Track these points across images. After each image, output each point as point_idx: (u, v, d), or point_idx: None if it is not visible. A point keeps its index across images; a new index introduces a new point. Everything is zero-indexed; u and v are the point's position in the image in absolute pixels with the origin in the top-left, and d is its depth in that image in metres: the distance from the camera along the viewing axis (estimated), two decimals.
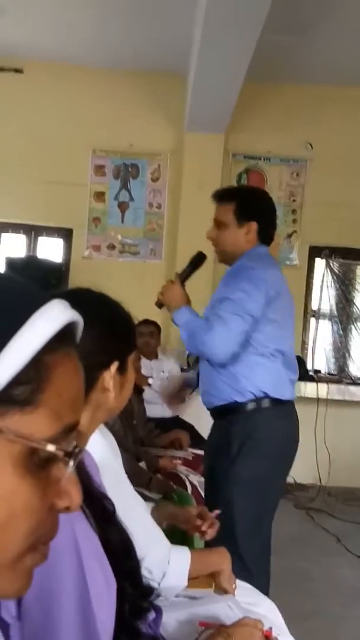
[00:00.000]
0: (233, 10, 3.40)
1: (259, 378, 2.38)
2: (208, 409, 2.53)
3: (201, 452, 3.86)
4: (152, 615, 1.01)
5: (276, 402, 2.40)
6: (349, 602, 3.30)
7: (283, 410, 2.42)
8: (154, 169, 5.80)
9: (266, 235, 2.56)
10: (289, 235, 5.87)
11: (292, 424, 2.49)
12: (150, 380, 4.56)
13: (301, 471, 5.49)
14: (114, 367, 1.06)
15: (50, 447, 0.50)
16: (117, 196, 5.81)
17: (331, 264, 5.95)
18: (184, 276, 2.64)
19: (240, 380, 2.38)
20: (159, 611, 1.02)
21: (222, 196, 2.59)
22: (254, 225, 2.51)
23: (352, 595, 3.39)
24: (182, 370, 5.10)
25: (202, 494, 3.19)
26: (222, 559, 1.62)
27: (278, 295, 2.39)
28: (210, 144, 5.51)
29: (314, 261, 5.98)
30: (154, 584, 1.26)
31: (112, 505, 0.99)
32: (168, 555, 1.49)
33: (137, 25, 4.86)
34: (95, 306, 1.11)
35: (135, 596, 0.87)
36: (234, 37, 3.72)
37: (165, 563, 1.45)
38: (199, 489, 3.21)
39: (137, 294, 5.51)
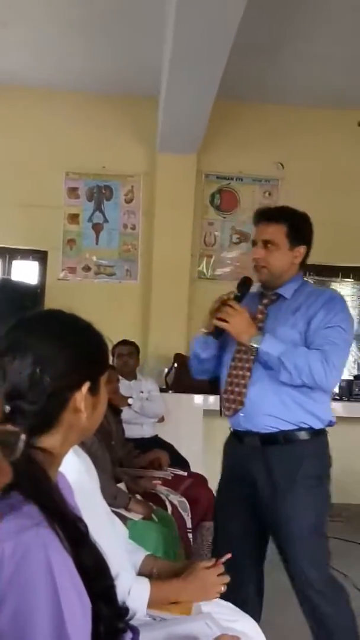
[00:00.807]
0: (201, 33, 3.46)
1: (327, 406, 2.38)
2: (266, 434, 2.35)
3: (182, 472, 3.85)
4: (129, 635, 1.00)
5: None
6: None
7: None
8: (128, 190, 5.83)
9: (305, 262, 2.52)
10: None
11: None
12: (130, 401, 4.54)
13: None
14: (85, 387, 1.05)
15: None
16: (91, 218, 5.82)
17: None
18: (239, 302, 2.39)
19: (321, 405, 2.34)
20: (136, 632, 1.01)
21: (272, 216, 2.47)
22: (302, 250, 2.46)
23: None
24: (161, 390, 5.09)
25: (182, 514, 3.18)
26: (182, 588, 1.58)
27: None
28: (183, 165, 5.56)
29: None
30: None
31: (86, 526, 0.98)
32: (130, 584, 1.49)
33: (107, 49, 4.91)
34: (65, 327, 1.11)
35: (110, 616, 0.86)
36: (202, 60, 3.79)
37: (126, 592, 1.44)
38: (179, 509, 3.20)
39: (113, 315, 5.55)
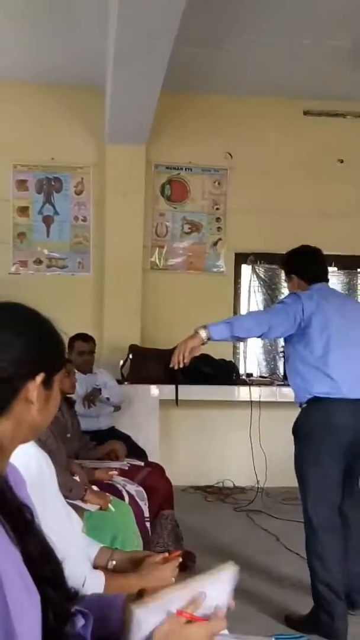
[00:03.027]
0: (143, 24, 3.46)
1: None
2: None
3: (139, 463, 3.88)
4: (81, 621, 1.02)
5: None
6: (291, 599, 3.37)
7: None
8: (77, 182, 5.80)
9: (310, 278, 3.29)
10: (215, 243, 5.97)
11: None
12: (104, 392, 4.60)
13: (239, 474, 5.59)
14: (39, 378, 1.05)
15: None
16: (41, 210, 5.77)
17: (257, 270, 6.08)
18: None
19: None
20: (88, 617, 1.03)
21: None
22: (295, 278, 3.35)
23: (293, 592, 3.46)
24: (117, 381, 5.10)
25: (140, 504, 3.21)
26: (136, 582, 1.58)
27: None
28: (132, 156, 5.55)
29: (240, 267, 6.10)
30: None
31: (31, 513, 0.99)
32: (84, 578, 1.50)
33: (53, 40, 4.86)
34: (25, 317, 1.11)
35: (59, 600, 0.87)
36: (146, 51, 3.79)
37: (80, 585, 1.45)
38: (137, 499, 3.22)
39: (67, 308, 5.52)
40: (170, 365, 2.96)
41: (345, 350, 3.09)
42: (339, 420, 3.02)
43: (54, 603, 0.85)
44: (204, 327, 2.96)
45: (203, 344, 2.95)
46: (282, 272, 3.71)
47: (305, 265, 3.35)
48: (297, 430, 3.15)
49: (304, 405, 3.14)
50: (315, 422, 3.06)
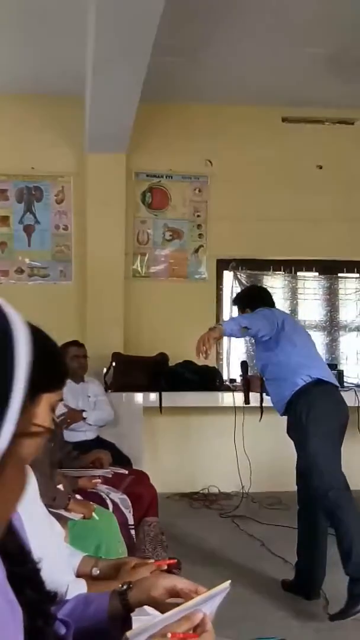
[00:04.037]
0: (120, 35, 3.48)
1: None
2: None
3: (123, 471, 3.88)
4: (62, 629, 1.02)
5: None
6: (275, 605, 3.38)
7: None
8: (58, 190, 5.80)
9: (260, 305, 3.67)
10: (196, 250, 6.00)
11: None
12: (84, 414, 4.51)
13: (224, 480, 5.60)
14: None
15: None
16: (22, 220, 5.76)
17: (239, 276, 6.12)
18: None
19: None
20: (69, 625, 1.03)
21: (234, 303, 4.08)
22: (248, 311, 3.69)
23: (277, 598, 3.47)
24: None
25: (124, 511, 3.21)
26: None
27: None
28: (112, 165, 5.56)
29: (222, 273, 6.13)
30: None
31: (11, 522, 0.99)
32: (66, 586, 1.51)
33: (32, 49, 4.87)
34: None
35: (38, 601, 0.87)
36: (124, 61, 3.81)
37: (63, 593, 1.46)
38: (121, 507, 3.22)
39: (49, 317, 5.46)
40: (198, 355, 3.27)
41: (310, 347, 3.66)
42: (340, 400, 3.46)
43: (33, 604, 0.85)
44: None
45: (220, 337, 3.41)
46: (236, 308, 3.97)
47: (257, 300, 3.79)
48: (307, 410, 3.32)
49: (303, 388, 3.37)
50: (326, 399, 3.36)
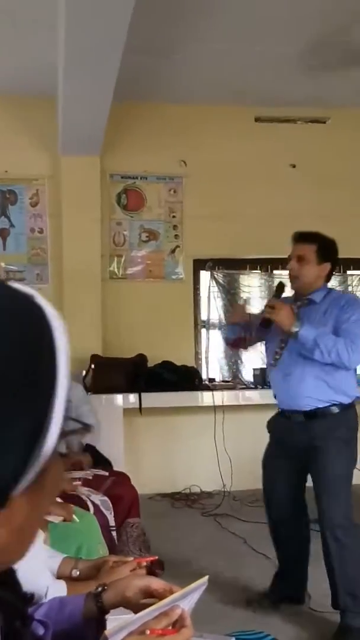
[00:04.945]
0: (91, 35, 3.47)
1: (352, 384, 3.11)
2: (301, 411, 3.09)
3: (104, 473, 3.87)
4: (40, 630, 1.02)
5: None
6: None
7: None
8: (32, 193, 5.77)
9: (330, 277, 3.22)
10: (173, 251, 6.00)
11: None
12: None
13: (205, 479, 5.61)
14: None
15: None
16: None
17: (215, 275, 6.14)
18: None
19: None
20: (47, 626, 1.03)
21: (306, 237, 3.18)
22: (328, 266, 3.13)
23: (260, 592, 3.48)
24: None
25: (105, 513, 3.21)
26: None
27: None
28: (87, 167, 5.55)
29: (198, 273, 6.14)
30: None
31: None
32: (46, 588, 1.51)
33: (3, 50, 4.83)
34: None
35: (14, 602, 0.87)
36: (96, 61, 3.80)
37: (43, 595, 1.46)
38: (102, 508, 3.22)
39: None
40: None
41: None
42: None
43: (8, 604, 0.84)
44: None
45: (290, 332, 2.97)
46: (312, 249, 3.13)
47: (337, 262, 3.28)
48: (345, 433, 3.07)
49: (342, 409, 3.06)
50: (356, 424, 3.19)
